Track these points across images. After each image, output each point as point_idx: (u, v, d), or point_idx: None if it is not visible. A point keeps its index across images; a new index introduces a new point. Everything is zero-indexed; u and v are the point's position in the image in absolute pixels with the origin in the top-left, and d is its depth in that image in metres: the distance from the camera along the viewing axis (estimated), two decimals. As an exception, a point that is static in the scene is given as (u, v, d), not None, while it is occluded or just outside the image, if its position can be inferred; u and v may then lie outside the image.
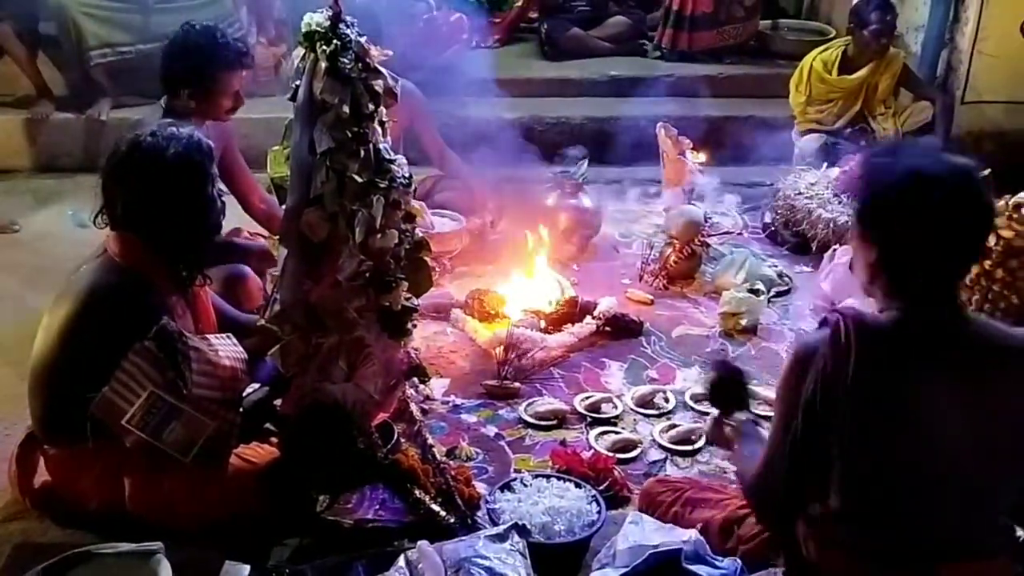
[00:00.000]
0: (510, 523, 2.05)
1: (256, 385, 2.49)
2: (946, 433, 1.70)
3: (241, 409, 2.34)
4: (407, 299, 2.45)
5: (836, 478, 1.72)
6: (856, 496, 1.73)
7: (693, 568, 1.85)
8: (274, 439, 2.46)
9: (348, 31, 2.16)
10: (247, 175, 3.45)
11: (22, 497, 2.38)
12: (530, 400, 3.02)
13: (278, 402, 2.44)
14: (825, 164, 4.62)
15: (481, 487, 2.56)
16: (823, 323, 1.76)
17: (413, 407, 2.81)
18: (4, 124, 5.02)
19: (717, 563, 1.89)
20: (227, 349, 2.33)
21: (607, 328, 3.44)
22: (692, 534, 1.95)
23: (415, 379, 2.66)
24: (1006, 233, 3.28)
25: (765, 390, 2.94)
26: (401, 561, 1.93)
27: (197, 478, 2.24)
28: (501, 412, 2.99)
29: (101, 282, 2.20)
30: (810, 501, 1.79)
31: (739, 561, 1.90)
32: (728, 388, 2.24)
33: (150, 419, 2.16)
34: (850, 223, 1.84)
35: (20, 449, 2.36)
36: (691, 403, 3.05)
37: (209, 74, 3.00)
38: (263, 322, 2.33)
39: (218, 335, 2.37)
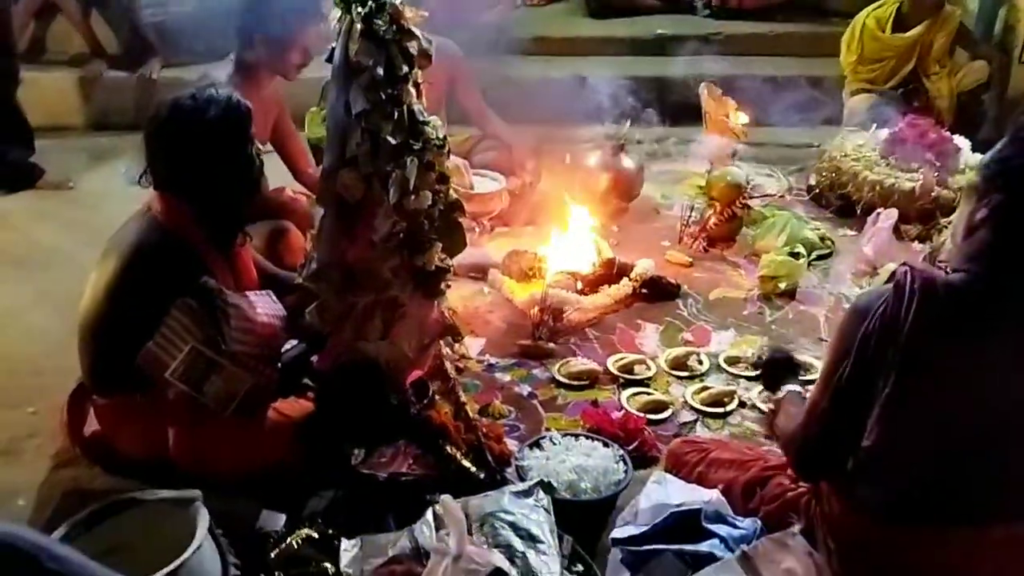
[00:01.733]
0: (536, 480, 2.09)
1: (294, 341, 2.56)
2: (1001, 396, 1.70)
3: (279, 365, 2.41)
4: (441, 260, 2.48)
5: (872, 423, 1.74)
6: (887, 444, 1.74)
7: (713, 527, 1.88)
8: (311, 394, 2.53)
9: (384, -8, 2.17)
10: (297, 141, 3.50)
11: (73, 445, 2.48)
12: (564, 360, 3.05)
13: (315, 358, 2.50)
14: (875, 126, 4.53)
15: (512, 444, 2.60)
16: (890, 278, 1.76)
17: (448, 365, 2.84)
18: (58, 82, 5.14)
19: (738, 523, 1.91)
20: (266, 306, 2.39)
21: (644, 290, 3.44)
22: (714, 494, 1.98)
23: (449, 338, 2.70)
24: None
25: (801, 355, 2.93)
26: (429, 515, 1.98)
27: (236, 430, 2.32)
28: (535, 372, 3.03)
29: (144, 241, 2.27)
30: (845, 453, 1.81)
31: (758, 522, 1.93)
32: (779, 367, 2.30)
33: (192, 373, 2.23)
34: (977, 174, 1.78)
35: (71, 399, 2.46)
36: (725, 366, 3.06)
37: (286, 23, 3.04)
38: (301, 280, 2.39)
39: (258, 292, 2.43)
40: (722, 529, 1.87)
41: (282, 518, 2.21)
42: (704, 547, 1.82)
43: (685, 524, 1.89)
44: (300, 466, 2.37)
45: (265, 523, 2.21)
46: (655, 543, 1.86)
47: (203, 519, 1.89)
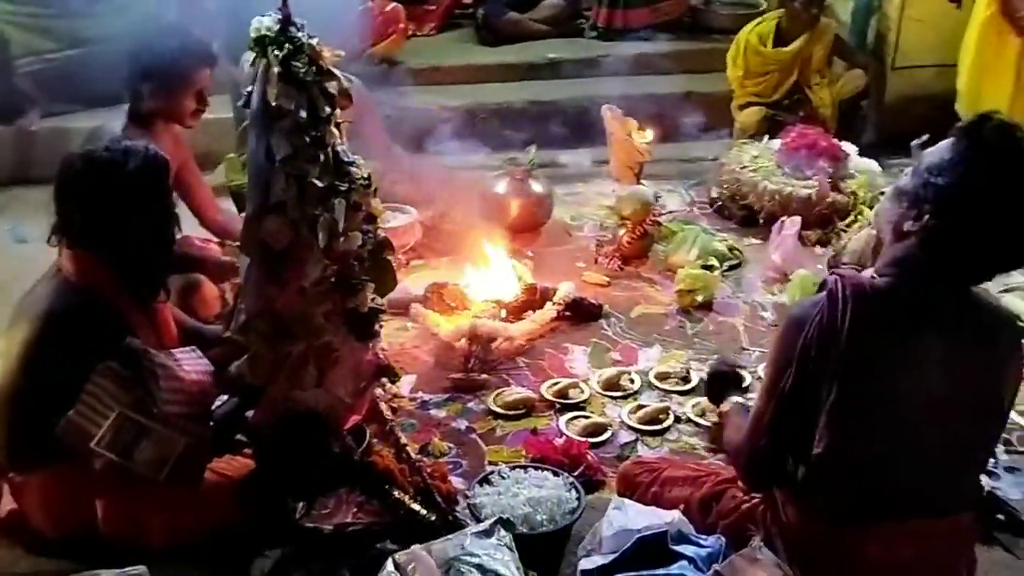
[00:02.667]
0: (495, 518, 2.05)
1: (224, 397, 2.46)
2: (929, 395, 1.76)
3: (211, 423, 2.31)
4: (373, 300, 2.44)
5: (821, 430, 1.78)
6: (838, 449, 1.79)
7: (679, 549, 1.89)
8: (247, 450, 2.43)
9: (299, 34, 2.13)
10: (204, 187, 3.38)
11: (-10, 526, 2.32)
12: (498, 391, 3.03)
13: (250, 413, 2.41)
14: (766, 136, 4.70)
15: (457, 482, 2.57)
16: (822, 286, 1.80)
17: (383, 407, 2.80)
18: (-69, 139, 4.84)
19: (702, 542, 1.93)
20: (193, 363, 2.30)
21: (568, 313, 3.46)
22: (675, 515, 1.99)
23: (388, 379, 2.65)
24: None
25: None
26: (390, 565, 1.92)
27: (172, 495, 2.22)
28: (470, 405, 2.99)
29: (58, 304, 2.16)
30: (792, 462, 1.85)
31: (723, 538, 1.95)
32: (724, 381, 2.34)
33: (119, 440, 2.13)
34: (901, 183, 1.82)
35: (-17, 478, 2.30)
36: (656, 382, 3.09)
37: (175, 71, 2.93)
38: (229, 333, 2.30)
39: (182, 349, 2.34)
40: (688, 549, 1.88)
41: (231, 584, 2.11)
42: (675, 570, 1.83)
43: (652, 548, 1.89)
44: (242, 527, 2.27)
45: (213, 592, 2.11)
46: (624, 571, 1.86)
47: (152, 596, 1.78)
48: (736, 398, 2.23)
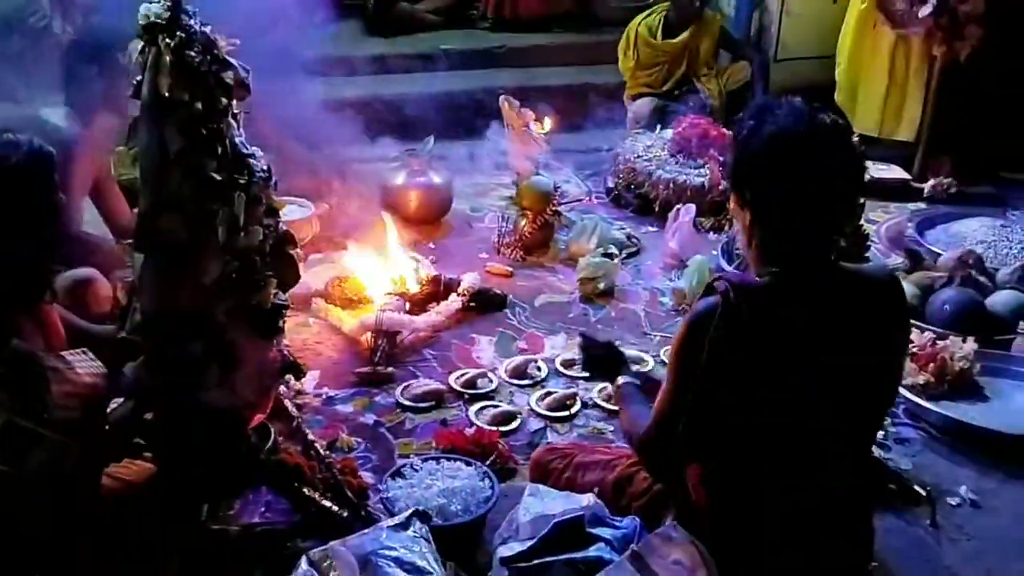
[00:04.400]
0: (409, 511, 2.04)
1: (118, 400, 2.36)
2: (829, 384, 1.79)
3: (107, 427, 2.22)
4: (276, 296, 2.38)
5: (730, 435, 1.81)
6: (747, 449, 1.82)
7: (596, 532, 1.91)
8: (147, 453, 2.34)
9: (192, 21, 2.05)
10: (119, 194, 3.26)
11: None
12: (405, 383, 3.01)
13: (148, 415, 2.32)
14: (659, 126, 4.81)
15: (368, 476, 2.54)
16: (709, 290, 1.81)
17: (288, 404, 2.74)
18: None
19: (617, 523, 1.96)
20: (85, 365, 2.19)
21: (472, 304, 3.46)
22: (590, 499, 2.02)
23: (293, 376, 2.59)
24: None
25: (631, 350, 3.06)
26: (303, 563, 1.88)
27: (68, 506, 2.11)
28: (377, 399, 2.96)
29: (-63, 308, 2.02)
30: (702, 459, 1.88)
31: (637, 519, 1.98)
32: (600, 359, 2.35)
33: (7, 449, 2.01)
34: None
35: None
36: (562, 369, 3.13)
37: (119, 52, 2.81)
38: (124, 334, 2.21)
39: (73, 351, 2.22)
40: (605, 532, 1.91)
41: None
42: (592, 552, 1.85)
43: (569, 532, 1.91)
44: (147, 531, 2.18)
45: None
46: (543, 556, 1.87)
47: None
48: (624, 378, 2.22)
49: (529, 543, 1.90)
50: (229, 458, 2.25)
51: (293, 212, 3.91)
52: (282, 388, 2.80)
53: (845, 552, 1.94)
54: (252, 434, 2.42)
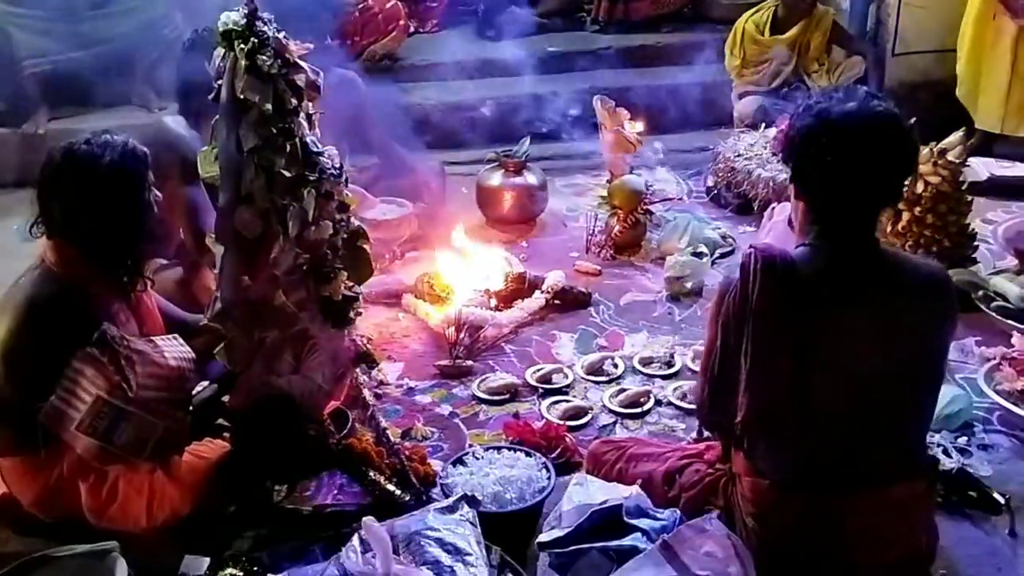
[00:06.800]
0: (459, 495, 2.10)
1: (205, 383, 2.53)
2: (854, 362, 1.80)
3: (191, 407, 2.38)
4: (348, 288, 2.49)
5: (741, 399, 1.84)
6: (756, 417, 1.85)
7: (634, 522, 1.92)
8: (226, 435, 2.49)
9: (265, 28, 2.18)
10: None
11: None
12: (483, 376, 3.07)
13: (227, 398, 2.47)
14: (763, 125, 4.70)
15: (437, 464, 2.62)
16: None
17: (366, 393, 2.83)
18: (-61, 141, 4.96)
19: (658, 515, 1.96)
20: (173, 350, 2.35)
21: (556, 301, 3.50)
22: (634, 490, 2.03)
23: (366, 365, 2.70)
24: (933, 179, 3.39)
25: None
26: (355, 540, 1.97)
27: (152, 478, 2.28)
28: (455, 391, 3.04)
29: (38, 293, 2.22)
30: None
31: (679, 512, 1.98)
32: None
33: (99, 424, 2.18)
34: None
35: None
36: (639, 367, 3.12)
37: None
38: (206, 321, 2.36)
39: (164, 337, 2.40)
40: (644, 522, 1.92)
41: (205, 562, 2.17)
42: (627, 541, 1.86)
43: (608, 522, 1.93)
44: (221, 507, 2.33)
45: (188, 569, 2.17)
46: (580, 543, 1.89)
47: (121, 570, 1.84)
48: None
49: (567, 530, 1.93)
50: (297, 441, 2.38)
51: (392, 211, 4.06)
52: (363, 378, 2.92)
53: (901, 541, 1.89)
54: (328, 419, 2.55)
